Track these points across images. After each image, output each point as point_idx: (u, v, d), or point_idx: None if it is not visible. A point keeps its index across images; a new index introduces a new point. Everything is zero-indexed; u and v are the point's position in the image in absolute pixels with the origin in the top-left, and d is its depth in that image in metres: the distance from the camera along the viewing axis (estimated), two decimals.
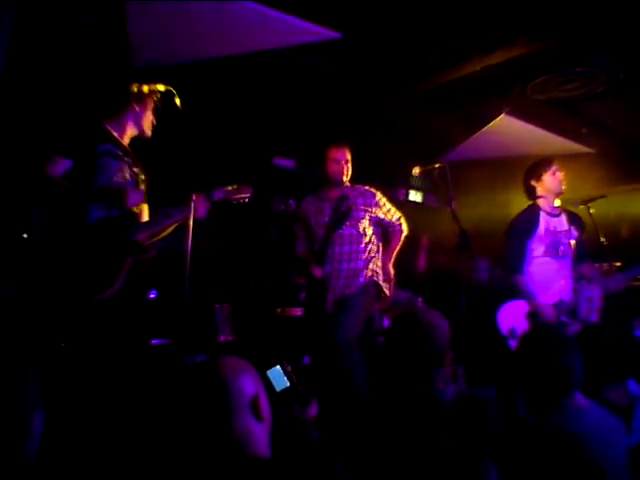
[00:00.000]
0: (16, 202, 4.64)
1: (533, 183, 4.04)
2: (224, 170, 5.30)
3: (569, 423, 1.91)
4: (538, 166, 4.04)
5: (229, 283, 5.15)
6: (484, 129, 4.91)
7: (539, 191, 4.03)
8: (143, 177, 3.00)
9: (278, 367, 1.80)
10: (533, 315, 3.83)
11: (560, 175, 4.00)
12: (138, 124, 2.81)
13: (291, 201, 6.02)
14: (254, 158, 5.44)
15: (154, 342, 4.08)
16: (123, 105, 2.79)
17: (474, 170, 5.39)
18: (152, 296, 4.44)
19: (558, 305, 3.84)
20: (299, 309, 5.17)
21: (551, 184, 3.99)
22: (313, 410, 1.84)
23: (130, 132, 2.88)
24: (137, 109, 2.73)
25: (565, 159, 4.71)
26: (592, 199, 4.11)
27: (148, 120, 2.81)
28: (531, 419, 2.05)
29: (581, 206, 4.13)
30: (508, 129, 4.85)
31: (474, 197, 5.50)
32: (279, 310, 5.19)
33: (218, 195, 3.10)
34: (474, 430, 1.88)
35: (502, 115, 4.66)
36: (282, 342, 4.95)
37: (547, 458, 1.83)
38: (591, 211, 4.08)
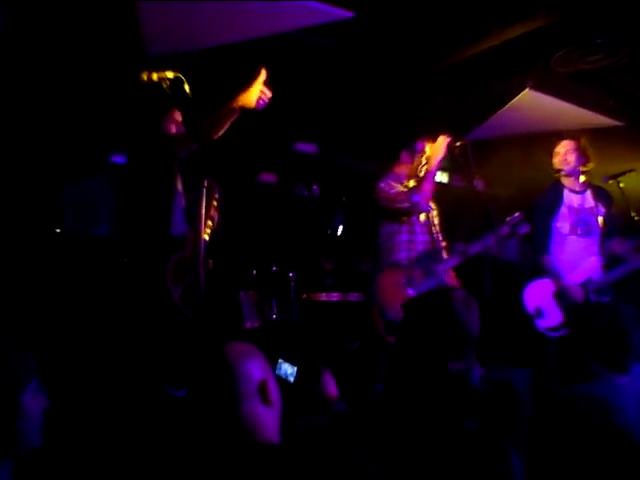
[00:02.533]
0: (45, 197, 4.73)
1: (553, 160, 3.97)
2: (245, 156, 5.30)
3: (606, 393, 1.86)
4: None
5: (254, 270, 5.15)
6: (508, 105, 4.78)
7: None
8: None
9: (280, 360, 1.79)
10: (560, 295, 3.76)
11: (560, 155, 3.92)
12: None
13: (315, 186, 6.00)
14: (275, 143, 5.42)
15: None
16: None
17: (499, 148, 5.26)
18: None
19: (586, 283, 3.75)
20: (324, 294, 5.16)
21: (556, 164, 3.93)
22: (330, 383, 1.83)
23: None
24: None
25: (593, 133, 4.58)
26: (621, 173, 4.00)
27: None
28: (565, 392, 2.01)
29: (610, 181, 4.02)
30: (533, 104, 4.72)
31: (500, 176, 5.38)
32: (304, 296, 5.17)
33: None
34: (502, 414, 1.83)
35: (526, 90, 4.53)
36: (307, 329, 4.95)
37: (580, 429, 1.78)
38: (621, 185, 3.97)
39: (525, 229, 3.71)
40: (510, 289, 3.99)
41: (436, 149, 3.83)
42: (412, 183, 3.95)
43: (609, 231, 3.93)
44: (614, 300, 3.72)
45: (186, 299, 3.23)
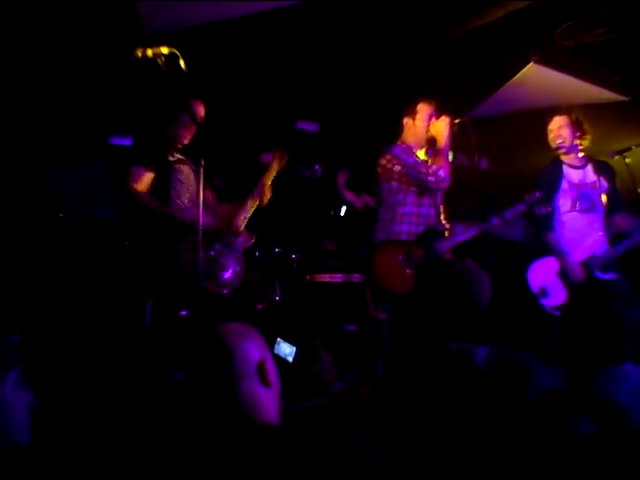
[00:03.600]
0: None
1: (548, 138, 3.95)
2: (246, 135, 5.25)
3: (613, 390, 1.81)
4: None
5: (257, 251, 5.13)
6: (512, 80, 4.71)
7: None
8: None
9: (278, 340, 1.77)
10: (564, 273, 3.72)
11: (553, 131, 3.91)
12: None
13: (317, 166, 5.94)
14: (276, 122, 5.35)
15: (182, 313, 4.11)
16: None
17: (503, 125, 5.19)
18: None
19: (590, 260, 3.71)
20: (327, 275, 5.13)
21: (551, 141, 3.88)
22: (329, 363, 1.80)
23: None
24: None
25: (598, 108, 4.51)
26: (627, 149, 3.93)
27: None
28: (569, 387, 1.96)
29: (616, 156, 3.95)
30: (537, 79, 4.64)
31: (504, 153, 5.33)
32: (308, 277, 5.15)
33: None
34: (509, 393, 1.79)
35: (530, 64, 4.46)
36: (311, 309, 4.93)
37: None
38: (627, 161, 3.91)
39: (544, 210, 3.69)
40: (514, 268, 3.95)
41: (439, 128, 3.79)
42: (422, 155, 3.89)
43: (613, 206, 3.88)
44: (618, 279, 3.68)
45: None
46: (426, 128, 3.86)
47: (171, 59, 2.48)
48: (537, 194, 3.69)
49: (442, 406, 1.78)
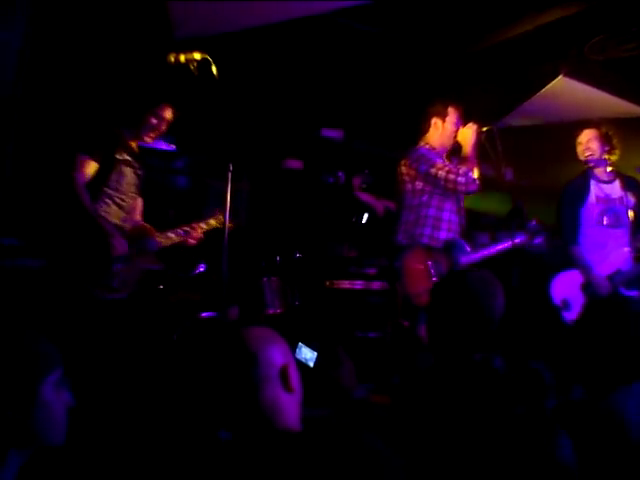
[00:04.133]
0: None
1: (577, 150, 3.90)
2: (272, 142, 5.29)
3: (629, 407, 1.78)
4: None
5: (278, 256, 5.15)
6: (541, 92, 4.69)
7: None
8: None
9: (300, 344, 1.77)
10: (587, 287, 3.68)
11: (582, 144, 3.84)
12: None
13: (340, 173, 5.95)
14: (301, 129, 5.39)
15: (203, 315, 4.14)
16: None
17: (530, 136, 5.16)
18: (201, 269, 4.48)
19: (615, 276, 3.67)
20: (347, 282, 5.13)
21: (579, 154, 3.84)
22: (350, 370, 1.80)
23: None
24: None
25: (626, 123, 4.46)
26: None
27: None
28: (585, 400, 1.93)
29: None
30: (566, 92, 4.62)
31: (529, 165, 5.28)
32: (328, 283, 5.15)
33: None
34: (529, 399, 1.78)
35: (560, 77, 4.43)
36: (331, 315, 4.93)
37: (601, 443, 1.71)
38: None
39: (539, 240, 3.64)
40: (539, 280, 3.91)
41: (466, 135, 3.73)
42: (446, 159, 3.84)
43: (639, 223, 3.83)
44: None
45: None
46: (454, 133, 3.78)
47: (204, 65, 2.51)
48: (533, 223, 3.66)
49: (464, 417, 1.77)
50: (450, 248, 3.64)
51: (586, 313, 2.16)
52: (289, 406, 1.45)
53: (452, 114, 3.77)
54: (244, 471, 1.29)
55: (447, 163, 3.73)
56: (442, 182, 3.64)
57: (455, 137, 3.79)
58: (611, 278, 3.68)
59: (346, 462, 1.30)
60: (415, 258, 3.63)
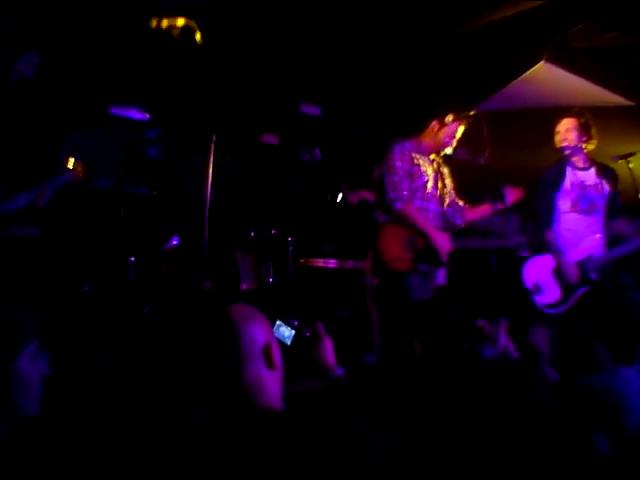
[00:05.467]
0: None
1: (554, 139, 3.93)
2: (248, 117, 5.20)
3: (612, 386, 1.81)
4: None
5: (252, 232, 5.10)
6: (521, 77, 4.68)
7: None
8: None
9: (278, 322, 1.74)
10: (559, 272, 3.75)
11: (560, 133, 3.87)
12: None
13: (317, 150, 5.90)
14: (280, 104, 5.30)
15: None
16: None
17: (510, 121, 5.17)
18: (174, 242, 4.42)
19: (586, 261, 3.72)
20: (321, 260, 5.13)
21: (557, 142, 3.87)
22: (329, 348, 1.78)
23: None
24: None
25: (604, 111, 4.49)
26: (631, 153, 3.93)
27: None
28: (567, 381, 1.97)
29: (620, 160, 3.95)
30: (547, 78, 4.63)
31: (509, 150, 5.30)
32: (302, 261, 5.14)
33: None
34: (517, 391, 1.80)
35: (541, 62, 4.43)
36: (305, 293, 4.93)
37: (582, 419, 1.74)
38: (630, 166, 3.90)
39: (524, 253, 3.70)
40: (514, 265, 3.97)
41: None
42: (433, 156, 3.84)
43: (612, 211, 3.89)
44: (623, 282, 3.70)
45: None
46: (447, 144, 3.78)
47: (187, 31, 2.43)
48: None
49: (450, 400, 1.78)
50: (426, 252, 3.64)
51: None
52: (271, 384, 1.43)
53: (450, 126, 3.75)
54: (224, 450, 1.27)
55: (406, 175, 3.66)
56: (385, 187, 3.65)
57: (446, 147, 3.79)
58: (582, 264, 3.73)
59: (328, 441, 1.29)
60: (394, 229, 3.64)
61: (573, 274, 3.72)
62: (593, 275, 3.71)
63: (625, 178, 3.93)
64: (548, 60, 4.40)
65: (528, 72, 4.59)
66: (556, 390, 1.78)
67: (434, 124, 3.79)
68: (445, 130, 3.75)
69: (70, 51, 4.03)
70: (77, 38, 3.95)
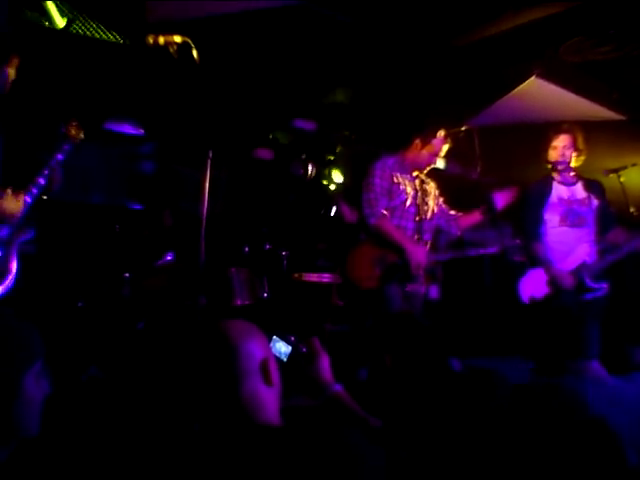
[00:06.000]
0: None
1: (549, 153, 3.95)
2: (244, 132, 5.22)
3: (581, 387, 1.84)
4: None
5: (246, 247, 5.10)
6: (513, 92, 4.72)
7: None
8: None
9: (274, 338, 1.75)
10: (552, 282, 3.77)
11: (557, 149, 3.89)
12: None
13: (311, 165, 5.91)
14: (274, 119, 5.33)
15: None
16: None
17: (501, 135, 5.21)
18: (169, 258, 4.41)
19: (580, 268, 3.74)
20: (315, 275, 5.12)
21: (552, 157, 3.90)
22: (325, 364, 1.78)
23: None
24: None
25: (595, 125, 4.53)
26: (622, 167, 3.97)
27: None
28: (541, 381, 1.99)
29: (611, 174, 3.99)
30: (538, 93, 4.67)
31: (500, 164, 5.34)
32: (296, 275, 5.14)
33: None
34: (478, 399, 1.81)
35: (533, 77, 4.48)
36: (299, 308, 4.92)
37: (554, 423, 1.74)
38: (621, 180, 3.95)
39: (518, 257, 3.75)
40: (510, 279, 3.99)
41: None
42: (415, 173, 3.87)
43: (605, 223, 3.91)
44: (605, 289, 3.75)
45: None
46: (428, 162, 3.84)
47: (184, 48, 2.44)
48: (517, 242, 3.77)
49: (439, 416, 1.78)
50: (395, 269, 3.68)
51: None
52: (269, 400, 1.43)
53: (434, 145, 3.79)
54: (222, 466, 1.27)
55: (384, 193, 3.73)
56: (362, 204, 3.73)
57: (429, 165, 3.84)
58: (576, 272, 3.75)
59: (326, 458, 1.28)
60: (365, 249, 3.73)
61: (568, 282, 3.73)
62: (589, 282, 3.73)
63: (616, 192, 3.96)
64: (539, 75, 4.45)
65: (519, 87, 4.63)
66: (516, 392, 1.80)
67: (417, 142, 3.82)
68: (428, 148, 3.79)
69: (67, 66, 4.05)
70: (72, 52, 3.97)
